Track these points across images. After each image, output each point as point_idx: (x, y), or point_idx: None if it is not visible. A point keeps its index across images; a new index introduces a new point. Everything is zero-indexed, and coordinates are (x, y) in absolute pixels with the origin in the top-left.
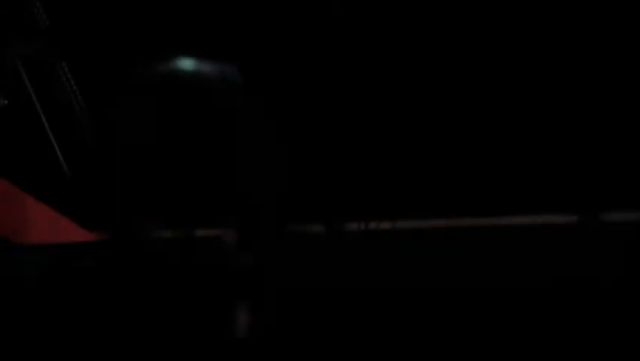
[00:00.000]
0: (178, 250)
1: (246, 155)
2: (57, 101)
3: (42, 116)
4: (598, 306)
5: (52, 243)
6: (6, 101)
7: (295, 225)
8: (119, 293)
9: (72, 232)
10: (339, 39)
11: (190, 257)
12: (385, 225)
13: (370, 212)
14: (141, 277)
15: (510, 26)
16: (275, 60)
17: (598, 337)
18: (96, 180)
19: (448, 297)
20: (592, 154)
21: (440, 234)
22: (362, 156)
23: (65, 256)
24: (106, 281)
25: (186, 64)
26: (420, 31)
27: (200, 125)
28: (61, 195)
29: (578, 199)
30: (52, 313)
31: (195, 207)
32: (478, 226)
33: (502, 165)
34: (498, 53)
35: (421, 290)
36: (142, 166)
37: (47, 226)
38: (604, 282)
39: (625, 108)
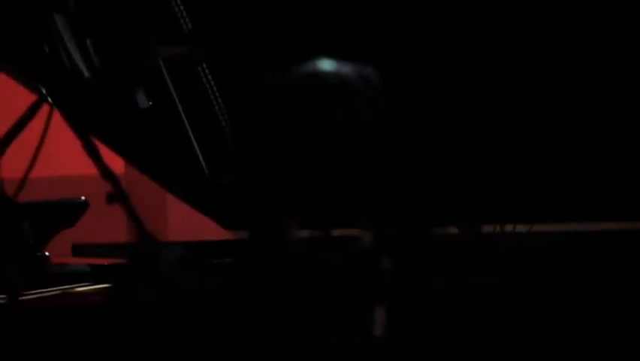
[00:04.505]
0: (316, 249)
1: (385, 156)
2: (197, 101)
3: (183, 116)
4: None
5: (192, 241)
6: (150, 102)
7: (431, 226)
8: (257, 292)
9: (210, 231)
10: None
11: (328, 257)
12: (522, 228)
13: (507, 214)
14: (280, 276)
15: None
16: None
17: None
18: (235, 180)
19: (594, 307)
20: None
21: (584, 237)
22: (500, 157)
23: (204, 253)
24: (244, 280)
25: (326, 65)
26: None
27: (339, 126)
28: (201, 195)
29: None
30: (193, 310)
31: (332, 207)
32: (621, 230)
33: None
34: None
35: (561, 299)
36: (279, 166)
37: (187, 224)
38: None
39: None
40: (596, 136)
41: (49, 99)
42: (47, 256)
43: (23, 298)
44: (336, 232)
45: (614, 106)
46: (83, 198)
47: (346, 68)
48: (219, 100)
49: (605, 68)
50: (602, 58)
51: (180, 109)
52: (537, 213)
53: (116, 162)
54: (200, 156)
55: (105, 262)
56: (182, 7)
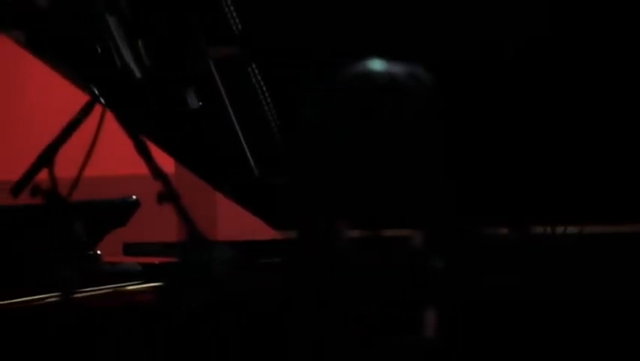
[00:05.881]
0: (366, 250)
1: (434, 155)
2: (247, 101)
3: (232, 116)
4: None
5: (241, 240)
6: (200, 103)
7: (480, 227)
8: (305, 292)
9: (260, 231)
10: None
11: (378, 258)
12: (572, 229)
13: (556, 215)
14: (329, 276)
15: None
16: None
17: None
18: (287, 180)
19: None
20: None
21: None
22: (551, 157)
23: (254, 253)
24: (293, 279)
25: (377, 65)
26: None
27: (390, 126)
28: (250, 194)
29: None
30: (243, 308)
31: (384, 208)
32: None
33: None
34: None
35: (610, 302)
36: (330, 166)
37: (236, 223)
38: None
39: None
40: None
41: (102, 99)
42: (99, 255)
43: (76, 296)
44: (386, 233)
45: None
46: (134, 197)
47: (397, 68)
48: (269, 100)
49: None
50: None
51: (230, 109)
52: (588, 215)
53: (166, 162)
54: (250, 156)
55: (156, 260)
56: (232, 8)
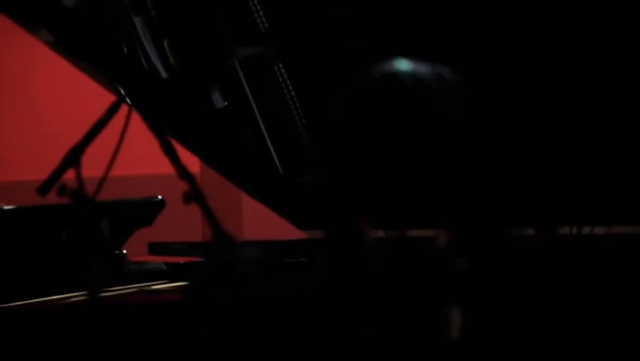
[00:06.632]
0: (391, 250)
1: (460, 155)
2: (272, 101)
3: (258, 115)
4: None
5: (267, 240)
6: (226, 102)
7: (505, 227)
8: (331, 291)
9: (286, 230)
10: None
11: (402, 258)
12: (599, 230)
13: (584, 216)
14: (353, 275)
15: None
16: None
17: None
18: (313, 180)
19: None
20: None
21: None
22: (580, 156)
23: (279, 253)
24: (319, 278)
25: (403, 65)
26: None
27: (418, 125)
28: (275, 194)
29: None
30: (269, 308)
31: (409, 207)
32: None
33: None
34: None
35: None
36: (357, 166)
37: (262, 223)
38: None
39: None
40: None
41: (128, 99)
42: (125, 254)
43: (102, 295)
44: (412, 233)
45: None
46: (160, 197)
47: (423, 68)
48: (295, 99)
49: None
50: None
51: (255, 109)
52: (615, 216)
53: (191, 162)
54: (275, 156)
55: (181, 260)
56: (258, 7)
